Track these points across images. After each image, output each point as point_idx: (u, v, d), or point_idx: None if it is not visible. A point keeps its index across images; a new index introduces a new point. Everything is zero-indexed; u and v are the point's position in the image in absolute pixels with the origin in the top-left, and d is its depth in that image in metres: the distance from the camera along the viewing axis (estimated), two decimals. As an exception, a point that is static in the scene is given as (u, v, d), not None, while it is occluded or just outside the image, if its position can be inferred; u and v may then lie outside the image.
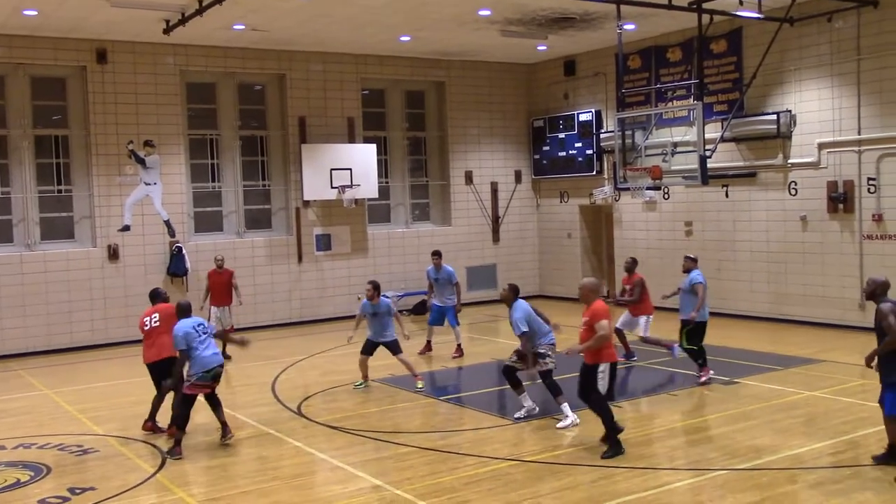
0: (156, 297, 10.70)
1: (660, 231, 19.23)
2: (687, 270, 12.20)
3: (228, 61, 18.23)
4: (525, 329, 9.99)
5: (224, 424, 9.83)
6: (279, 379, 13.30)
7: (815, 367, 12.73)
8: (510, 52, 20.17)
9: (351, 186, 18.83)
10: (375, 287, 12.12)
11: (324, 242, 19.36)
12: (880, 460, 8.09)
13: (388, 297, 12.56)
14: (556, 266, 21.92)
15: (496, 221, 21.82)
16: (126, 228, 17.25)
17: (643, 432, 9.71)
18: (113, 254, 17.09)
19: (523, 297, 10.52)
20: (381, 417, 10.89)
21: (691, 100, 16.10)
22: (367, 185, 19.17)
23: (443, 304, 14.74)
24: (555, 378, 10.05)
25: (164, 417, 10.21)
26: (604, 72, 20.04)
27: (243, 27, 16.27)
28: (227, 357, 13.73)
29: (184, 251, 17.47)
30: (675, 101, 17.91)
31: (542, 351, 10.04)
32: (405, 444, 9.51)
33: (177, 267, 17.40)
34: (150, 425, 10.39)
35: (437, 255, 14.98)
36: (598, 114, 20.33)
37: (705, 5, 14.09)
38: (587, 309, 8.94)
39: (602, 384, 8.82)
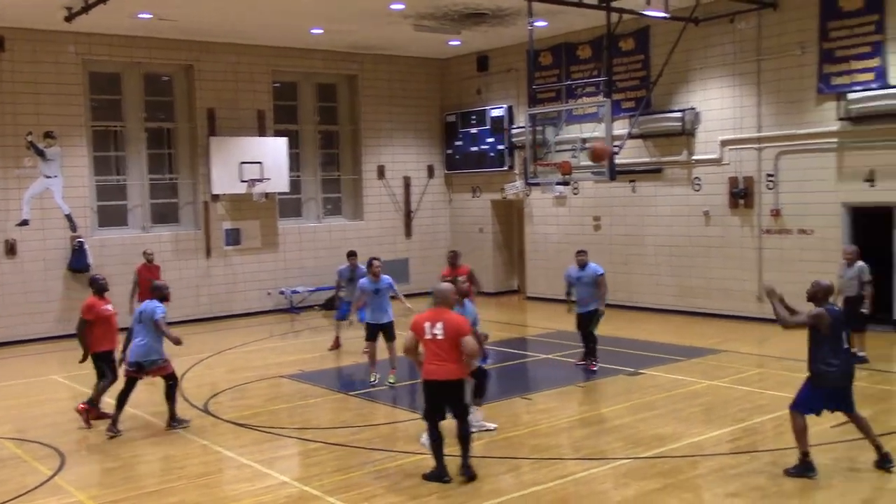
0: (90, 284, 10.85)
1: (570, 226, 19.53)
2: (584, 264, 12.56)
3: (134, 51, 17.73)
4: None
5: (171, 415, 10.07)
6: (185, 376, 12.97)
7: (716, 358, 13.13)
8: (423, 46, 20.19)
9: (261, 180, 18.56)
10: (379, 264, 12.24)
11: (233, 237, 19.04)
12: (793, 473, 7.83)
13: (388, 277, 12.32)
14: (469, 261, 21.96)
15: (408, 216, 21.82)
16: (25, 223, 16.63)
17: (550, 423, 9.85)
18: (10, 249, 16.44)
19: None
20: (291, 414, 10.78)
21: (600, 97, 16.39)
22: (278, 179, 18.93)
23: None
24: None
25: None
26: (516, 68, 20.24)
27: (150, 16, 15.84)
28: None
29: (85, 246, 16.94)
30: (584, 98, 18.20)
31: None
32: (314, 441, 9.44)
33: (78, 262, 16.85)
34: (94, 411, 10.41)
35: (352, 255, 14.88)
36: (509, 109, 20.52)
37: (614, 4, 14.33)
38: None
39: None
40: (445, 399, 7.95)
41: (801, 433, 7.79)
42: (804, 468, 7.75)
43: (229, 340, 16.08)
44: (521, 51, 19.34)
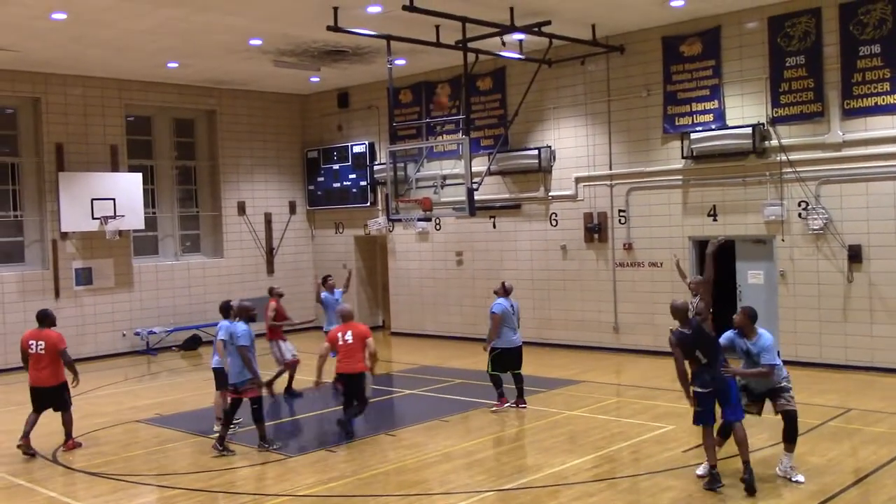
0: (43, 319, 10.72)
1: (433, 261, 19.74)
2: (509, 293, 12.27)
3: (-26, 82, 16.87)
4: None
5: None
6: (32, 425, 12.29)
7: (575, 388, 13.51)
8: (283, 82, 20.08)
9: (114, 217, 17.90)
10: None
11: (84, 276, 18.23)
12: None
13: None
14: (332, 297, 21.86)
15: (270, 253, 21.51)
16: None
17: (416, 459, 9.87)
18: None
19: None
20: (148, 460, 10.36)
21: (459, 134, 16.73)
22: (133, 216, 18.30)
23: None
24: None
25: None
26: (377, 105, 20.40)
27: (-9, 46, 15.13)
28: None
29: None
30: (444, 136, 18.53)
31: None
32: (172, 487, 9.10)
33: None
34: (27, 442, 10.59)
35: (329, 277, 14.85)
36: (371, 146, 20.64)
37: (471, 44, 14.71)
38: None
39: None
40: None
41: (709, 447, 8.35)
42: (713, 481, 8.22)
43: (80, 385, 15.25)
44: (381, 88, 19.54)
